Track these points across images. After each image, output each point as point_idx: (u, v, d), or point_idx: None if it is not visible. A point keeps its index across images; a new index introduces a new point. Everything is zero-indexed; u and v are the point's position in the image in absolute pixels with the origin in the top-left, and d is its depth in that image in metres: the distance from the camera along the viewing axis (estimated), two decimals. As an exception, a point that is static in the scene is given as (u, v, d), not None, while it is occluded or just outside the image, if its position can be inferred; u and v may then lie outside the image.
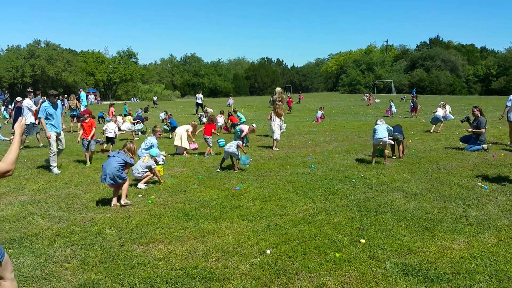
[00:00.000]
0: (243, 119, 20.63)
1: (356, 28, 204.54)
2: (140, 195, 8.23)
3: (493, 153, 12.04)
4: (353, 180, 9.18)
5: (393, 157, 11.66)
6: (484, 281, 4.46)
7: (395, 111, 27.88)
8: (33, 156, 13.26)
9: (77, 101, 22.86)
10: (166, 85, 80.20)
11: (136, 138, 17.81)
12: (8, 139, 16.59)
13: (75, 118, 21.55)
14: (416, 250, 5.28)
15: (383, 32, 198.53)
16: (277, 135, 14.27)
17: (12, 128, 16.57)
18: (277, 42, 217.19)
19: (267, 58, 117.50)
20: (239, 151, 10.54)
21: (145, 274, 4.76)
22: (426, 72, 77.37)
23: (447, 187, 8.38)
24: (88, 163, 11.68)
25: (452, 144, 14.13)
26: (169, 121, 19.58)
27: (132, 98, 62.03)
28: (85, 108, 23.56)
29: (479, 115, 13.05)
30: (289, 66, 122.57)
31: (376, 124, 11.04)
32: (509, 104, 13.54)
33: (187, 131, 13.31)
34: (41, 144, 15.62)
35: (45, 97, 16.29)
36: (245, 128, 13.30)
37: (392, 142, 11.20)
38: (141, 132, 19.76)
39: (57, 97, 10.87)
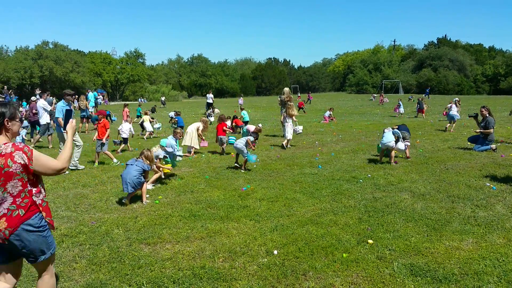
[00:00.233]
0: (246, 118, 20.39)
1: (363, 28, 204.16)
2: (147, 195, 8.26)
3: (502, 153, 11.97)
4: (361, 180, 9.15)
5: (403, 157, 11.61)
6: (492, 282, 4.43)
7: (403, 111, 27.76)
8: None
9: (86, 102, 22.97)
10: (173, 85, 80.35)
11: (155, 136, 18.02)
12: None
13: (84, 119, 21.62)
14: (424, 251, 5.25)
15: (391, 32, 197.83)
16: (289, 135, 14.36)
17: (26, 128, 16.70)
18: (284, 42, 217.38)
19: (274, 58, 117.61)
20: (247, 149, 10.61)
21: (152, 274, 4.78)
22: (434, 72, 77.03)
23: (455, 188, 8.34)
24: (96, 163, 11.73)
25: (460, 144, 14.06)
26: (176, 119, 19.56)
27: (139, 99, 62.20)
28: (93, 109, 23.64)
29: (487, 115, 12.97)
30: (296, 66, 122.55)
31: (383, 132, 11.03)
32: None
33: (197, 130, 13.38)
34: (50, 146, 15.70)
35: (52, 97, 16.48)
36: (252, 128, 13.42)
37: (402, 148, 11.00)
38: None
39: (73, 97, 11.09)
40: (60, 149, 10.70)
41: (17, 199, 3.36)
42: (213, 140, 14.00)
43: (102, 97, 57.92)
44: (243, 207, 7.32)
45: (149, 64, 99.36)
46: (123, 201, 7.75)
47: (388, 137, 10.68)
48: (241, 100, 39.60)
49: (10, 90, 35.01)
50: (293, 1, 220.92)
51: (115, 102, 64.44)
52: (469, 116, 14.41)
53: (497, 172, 9.54)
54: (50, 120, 15.57)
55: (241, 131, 14.19)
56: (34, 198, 3.47)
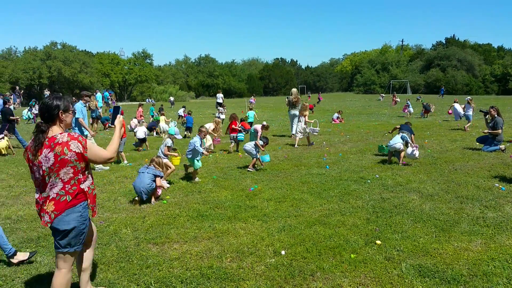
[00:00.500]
0: (250, 119, 20.21)
1: (371, 28, 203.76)
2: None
3: (511, 153, 11.88)
4: (368, 180, 9.13)
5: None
6: (502, 283, 4.41)
7: (412, 111, 27.64)
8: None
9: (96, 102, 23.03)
10: (180, 86, 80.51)
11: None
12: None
13: (94, 119, 21.69)
14: (433, 252, 5.23)
15: (399, 32, 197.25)
16: (299, 134, 14.67)
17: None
18: (291, 42, 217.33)
19: (281, 58, 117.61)
20: (257, 150, 10.65)
21: (160, 274, 4.79)
22: (442, 72, 76.63)
23: (464, 188, 8.29)
24: (125, 162, 11.86)
25: (468, 144, 13.98)
26: (186, 118, 19.53)
27: (147, 99, 62.37)
28: (100, 109, 23.68)
29: (496, 115, 12.90)
30: (303, 67, 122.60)
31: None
32: None
33: (209, 129, 13.51)
34: None
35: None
36: (259, 127, 13.53)
37: (409, 152, 10.89)
38: (157, 133, 19.75)
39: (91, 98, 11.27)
40: None
41: (66, 186, 3.63)
42: (226, 139, 14.14)
43: (110, 97, 58.10)
44: (251, 208, 7.33)
45: (157, 64, 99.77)
46: (135, 198, 7.85)
47: (395, 139, 10.70)
48: (253, 100, 39.73)
49: (22, 91, 35.22)
50: (301, 2, 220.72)
51: (123, 102, 64.62)
52: (480, 111, 14.43)
53: (506, 173, 9.48)
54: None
55: (250, 131, 14.26)
56: (82, 186, 3.74)
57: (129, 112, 30.24)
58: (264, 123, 14.37)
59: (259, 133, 13.29)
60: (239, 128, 14.39)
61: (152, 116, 25.92)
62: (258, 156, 10.65)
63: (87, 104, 11.21)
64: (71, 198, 3.64)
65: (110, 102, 34.10)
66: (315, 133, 15.12)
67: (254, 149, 10.59)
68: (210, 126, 13.71)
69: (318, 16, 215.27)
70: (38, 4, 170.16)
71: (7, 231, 6.39)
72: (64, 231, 3.66)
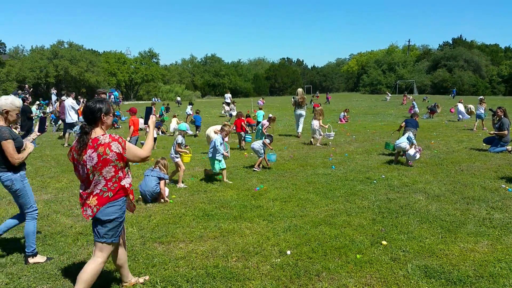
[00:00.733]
0: (259, 118, 20.10)
1: (377, 28, 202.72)
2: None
3: (518, 154, 11.84)
4: (374, 181, 9.11)
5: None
6: (508, 285, 4.39)
7: (418, 111, 27.52)
8: (56, 156, 13.47)
9: None
10: (186, 85, 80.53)
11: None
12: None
13: None
14: (439, 253, 5.22)
15: (405, 32, 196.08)
16: (317, 134, 14.91)
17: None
18: (298, 42, 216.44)
19: (287, 58, 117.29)
20: (264, 149, 10.70)
21: (166, 273, 4.80)
22: (449, 73, 76.24)
23: (470, 189, 8.27)
24: None
25: (475, 145, 13.93)
26: (194, 117, 19.52)
27: (153, 98, 62.47)
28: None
29: (502, 116, 12.85)
30: (309, 66, 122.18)
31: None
32: None
33: (216, 131, 13.52)
34: (66, 144, 15.85)
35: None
36: (266, 122, 13.74)
37: (412, 153, 10.86)
38: (162, 132, 19.77)
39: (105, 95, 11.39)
40: None
41: (108, 183, 3.93)
42: (234, 137, 14.23)
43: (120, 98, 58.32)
44: (256, 207, 7.33)
45: (163, 64, 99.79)
46: (139, 196, 7.91)
47: (401, 139, 10.71)
48: (261, 101, 39.82)
49: (31, 89, 35.42)
50: (307, 2, 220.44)
51: (129, 101, 64.75)
52: (490, 110, 14.46)
53: (513, 174, 9.44)
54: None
55: (258, 128, 14.41)
56: (122, 183, 4.02)
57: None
58: (270, 115, 14.53)
59: (265, 125, 13.44)
60: (245, 127, 14.56)
61: (161, 115, 25.93)
62: (265, 156, 10.68)
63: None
64: (112, 194, 3.94)
65: (119, 102, 34.16)
66: (330, 138, 14.99)
67: (262, 148, 10.63)
68: (216, 128, 13.76)
69: (324, 16, 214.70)
70: (45, 3, 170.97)
71: (15, 229, 6.42)
72: (105, 221, 3.94)
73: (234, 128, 14.32)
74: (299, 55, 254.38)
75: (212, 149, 9.37)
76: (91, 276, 3.96)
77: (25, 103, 17.05)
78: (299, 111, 17.15)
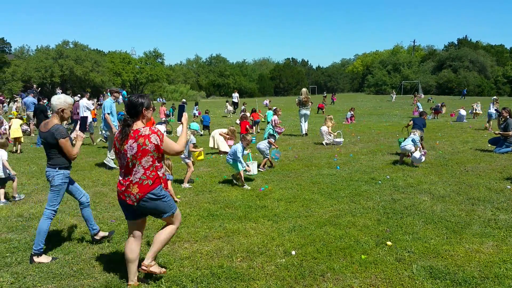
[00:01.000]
0: (269, 118, 20.14)
1: (382, 28, 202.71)
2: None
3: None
4: (379, 181, 9.10)
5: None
6: (514, 286, 4.37)
7: (423, 110, 27.50)
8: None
9: None
10: (191, 85, 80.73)
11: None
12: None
13: None
14: (444, 253, 5.20)
15: (410, 33, 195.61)
16: (326, 137, 15.04)
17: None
18: (302, 42, 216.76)
19: (292, 58, 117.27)
20: (270, 148, 10.76)
21: (171, 273, 4.81)
22: (454, 73, 76.06)
23: (475, 190, 8.24)
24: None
25: (480, 146, 13.88)
26: (202, 117, 19.55)
27: (158, 98, 62.59)
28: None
29: (508, 117, 12.81)
30: (314, 67, 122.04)
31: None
32: None
33: (221, 134, 13.60)
34: (94, 143, 15.93)
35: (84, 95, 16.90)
36: (276, 119, 14.15)
37: (417, 156, 10.82)
38: (168, 132, 19.76)
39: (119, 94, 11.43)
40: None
41: (147, 172, 4.21)
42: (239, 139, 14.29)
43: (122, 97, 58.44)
44: (261, 207, 7.34)
45: (168, 64, 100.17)
46: None
47: (406, 141, 10.73)
48: (267, 102, 40.09)
49: (39, 88, 35.62)
50: (312, 2, 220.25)
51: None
52: (495, 110, 14.44)
53: (519, 175, 9.41)
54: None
55: (268, 127, 14.59)
56: (158, 172, 4.30)
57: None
58: (275, 107, 14.69)
59: (277, 121, 14.42)
60: (250, 130, 14.77)
61: (168, 115, 25.96)
62: (269, 155, 10.72)
63: (116, 101, 11.30)
64: (152, 182, 4.23)
65: (121, 101, 34.23)
66: (339, 144, 14.95)
67: (267, 148, 10.66)
68: (222, 130, 13.87)
69: (329, 16, 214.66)
70: (51, 3, 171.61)
71: (19, 228, 6.47)
72: (160, 197, 4.28)
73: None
74: (304, 55, 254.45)
75: (232, 155, 9.21)
76: (168, 237, 4.51)
77: (40, 103, 17.15)
78: (303, 111, 17.17)
